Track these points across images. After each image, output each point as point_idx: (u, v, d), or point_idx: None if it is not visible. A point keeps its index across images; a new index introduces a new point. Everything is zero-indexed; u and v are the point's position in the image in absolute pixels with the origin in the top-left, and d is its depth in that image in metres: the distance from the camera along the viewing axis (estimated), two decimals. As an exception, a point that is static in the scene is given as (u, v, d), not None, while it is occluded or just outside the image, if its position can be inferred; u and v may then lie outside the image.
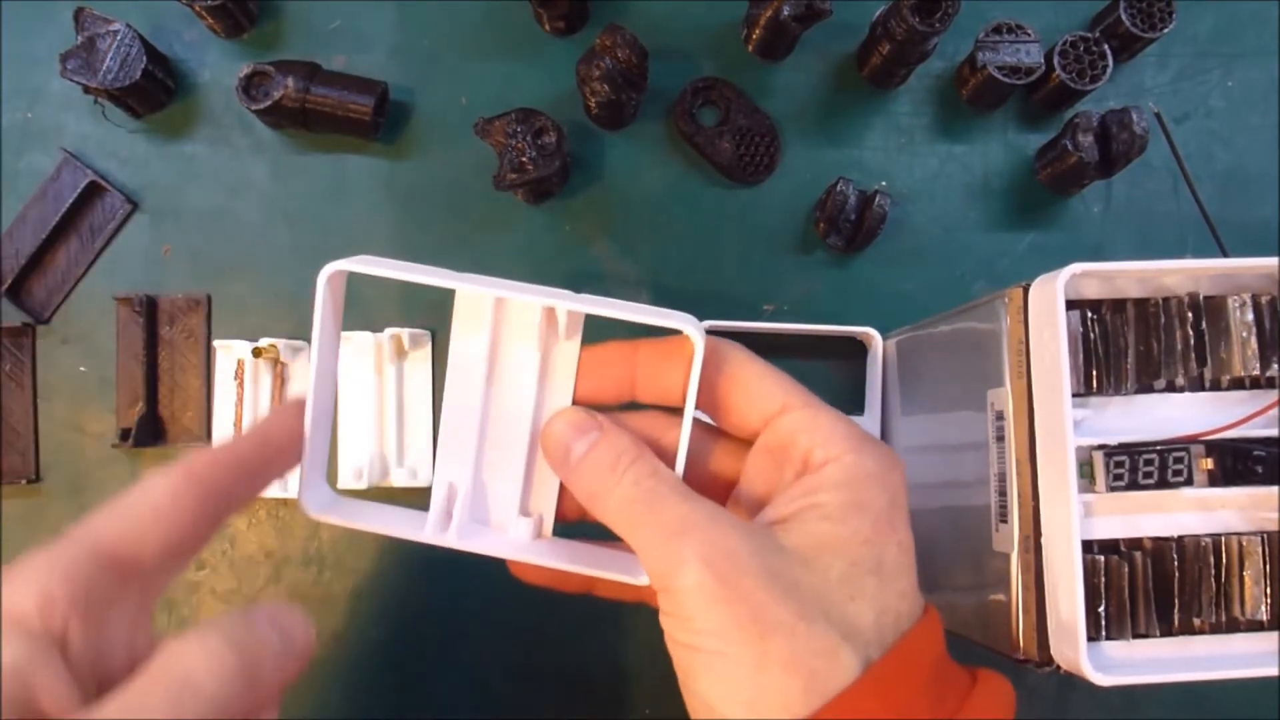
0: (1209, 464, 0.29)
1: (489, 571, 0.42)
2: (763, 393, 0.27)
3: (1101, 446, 0.29)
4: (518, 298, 0.27)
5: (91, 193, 0.43)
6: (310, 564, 0.42)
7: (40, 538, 0.42)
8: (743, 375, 0.27)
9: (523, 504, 0.29)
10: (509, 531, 0.29)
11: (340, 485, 0.41)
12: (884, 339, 0.42)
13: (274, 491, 0.40)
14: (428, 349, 0.43)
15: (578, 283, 0.43)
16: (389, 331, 0.41)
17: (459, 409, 0.29)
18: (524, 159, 0.40)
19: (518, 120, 0.40)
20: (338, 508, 0.28)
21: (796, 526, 0.25)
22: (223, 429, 0.42)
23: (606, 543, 0.28)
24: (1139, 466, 0.29)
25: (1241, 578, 0.28)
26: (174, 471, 0.23)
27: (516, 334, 0.28)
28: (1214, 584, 0.28)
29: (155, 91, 0.43)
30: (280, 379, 0.42)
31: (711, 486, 0.28)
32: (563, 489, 0.29)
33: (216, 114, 0.44)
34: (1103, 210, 0.44)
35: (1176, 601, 0.28)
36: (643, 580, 0.27)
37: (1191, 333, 0.29)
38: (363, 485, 0.41)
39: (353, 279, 0.29)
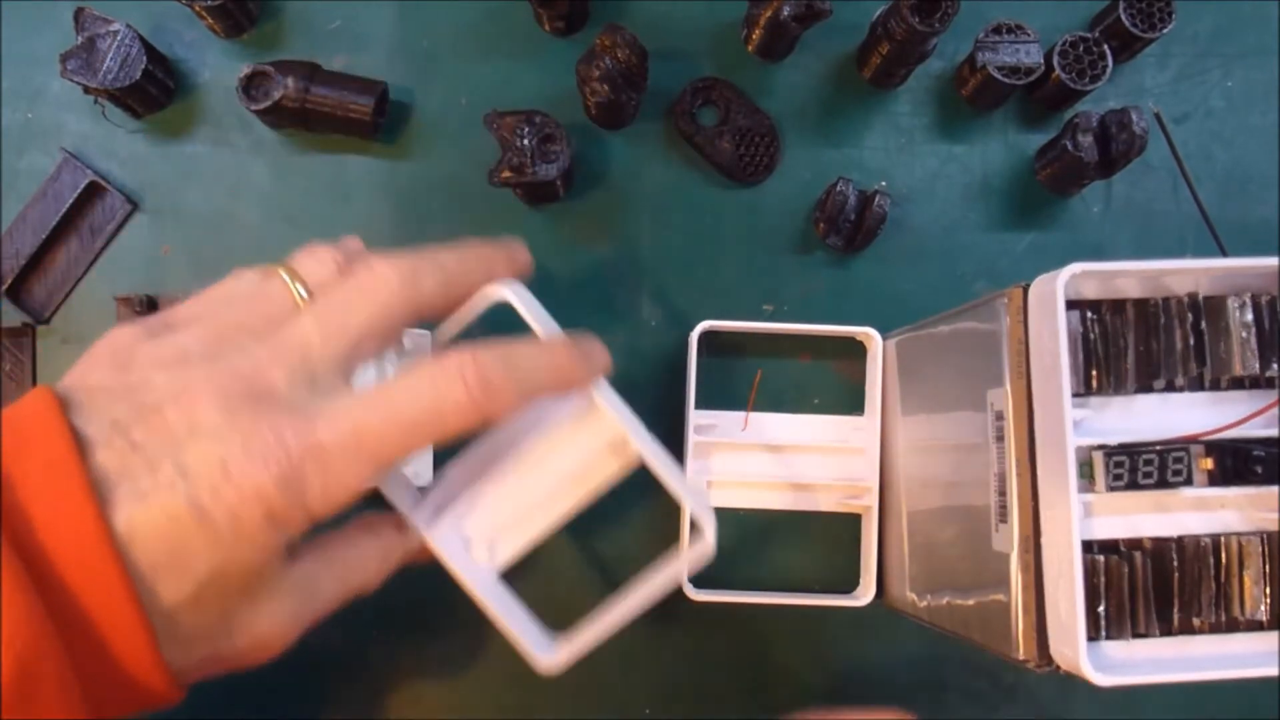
0: (1209, 464, 0.29)
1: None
2: None
3: (1101, 446, 0.29)
4: (619, 420, 0.30)
5: (91, 193, 0.43)
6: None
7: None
8: None
9: (493, 535, 0.32)
10: (472, 552, 0.32)
11: None
12: (884, 339, 0.42)
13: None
14: (427, 348, 0.43)
15: (578, 283, 0.43)
16: (389, 331, 0.41)
17: (497, 453, 0.32)
18: (523, 160, 0.40)
19: (527, 122, 0.40)
20: None
21: None
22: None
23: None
24: (1139, 466, 0.29)
25: (1241, 578, 0.28)
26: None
27: (587, 436, 0.31)
28: (1214, 584, 0.28)
29: (155, 92, 0.43)
30: (280, 379, 0.42)
31: None
32: None
33: (216, 114, 0.44)
34: (1103, 210, 0.44)
35: (1176, 601, 0.28)
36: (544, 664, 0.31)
37: (1191, 333, 0.29)
38: None
39: None
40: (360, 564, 0.30)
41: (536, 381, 0.28)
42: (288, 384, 0.26)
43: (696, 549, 0.30)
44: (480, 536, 0.32)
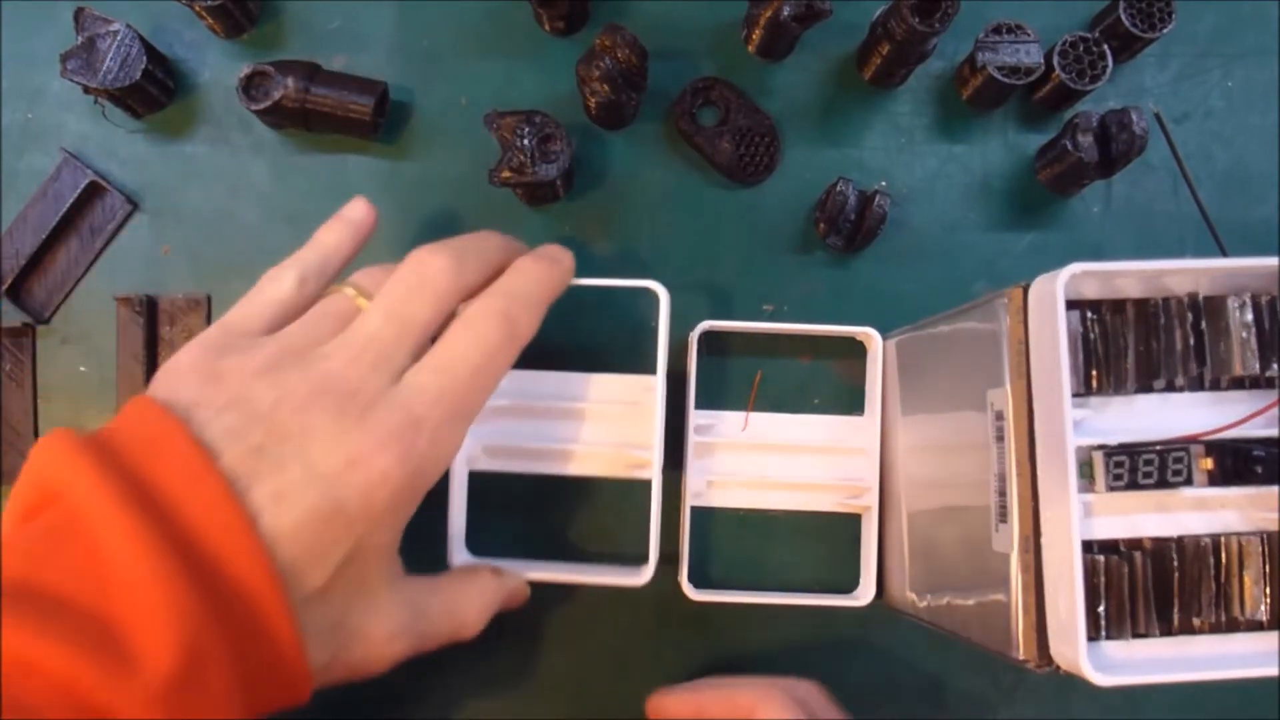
0: (1209, 464, 0.29)
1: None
2: None
3: (1101, 446, 0.29)
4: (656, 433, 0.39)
5: (91, 193, 0.43)
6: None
7: (40, 538, 0.42)
8: None
9: (492, 446, 0.39)
10: (467, 450, 0.40)
11: None
12: (884, 339, 0.42)
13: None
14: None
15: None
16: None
17: (550, 389, 0.40)
18: (524, 160, 0.40)
19: (527, 122, 0.40)
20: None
21: None
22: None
23: None
24: (1139, 466, 0.29)
25: (1241, 578, 0.28)
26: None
27: (618, 436, 0.40)
28: (1214, 584, 0.28)
29: (155, 91, 0.43)
30: (280, 379, 0.42)
31: None
32: None
33: (216, 114, 0.44)
34: (1103, 210, 0.44)
35: (1176, 601, 0.28)
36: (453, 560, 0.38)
37: (1191, 333, 0.29)
38: None
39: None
40: (464, 601, 0.34)
41: (538, 300, 0.32)
42: (375, 379, 0.28)
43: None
44: (482, 441, 0.39)
